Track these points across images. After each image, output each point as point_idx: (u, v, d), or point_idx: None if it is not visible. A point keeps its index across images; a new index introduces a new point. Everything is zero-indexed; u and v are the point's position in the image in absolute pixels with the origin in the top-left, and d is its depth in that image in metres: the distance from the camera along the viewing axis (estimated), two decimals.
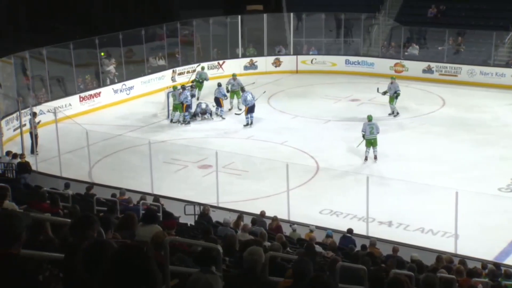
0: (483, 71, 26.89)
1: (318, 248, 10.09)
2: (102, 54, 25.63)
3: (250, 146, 19.64)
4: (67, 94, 23.98)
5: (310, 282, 4.12)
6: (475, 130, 20.97)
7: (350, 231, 12.84)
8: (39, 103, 21.87)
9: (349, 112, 23.26)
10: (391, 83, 22.76)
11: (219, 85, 23.22)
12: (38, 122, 19.58)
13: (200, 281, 4.46)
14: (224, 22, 29.96)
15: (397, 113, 22.57)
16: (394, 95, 22.49)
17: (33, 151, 18.65)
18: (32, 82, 23.33)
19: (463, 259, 11.16)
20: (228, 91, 23.36)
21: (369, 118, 18.44)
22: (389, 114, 22.65)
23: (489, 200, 15.14)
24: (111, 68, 25.85)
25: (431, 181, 15.70)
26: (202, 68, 26.79)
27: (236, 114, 22.81)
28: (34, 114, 19.30)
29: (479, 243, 13.17)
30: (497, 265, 10.97)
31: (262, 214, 13.45)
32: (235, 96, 23.69)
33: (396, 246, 11.94)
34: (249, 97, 21.77)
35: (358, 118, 22.40)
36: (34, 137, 18.82)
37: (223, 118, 22.68)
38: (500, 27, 27.86)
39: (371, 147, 18.04)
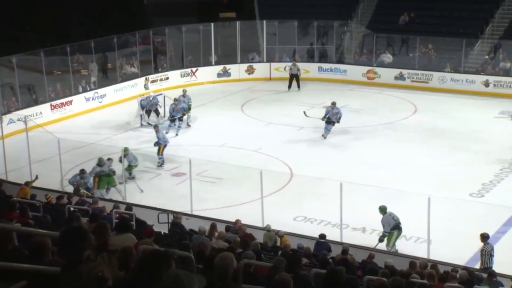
0: (453, 78, 27.26)
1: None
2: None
3: (224, 153, 19.59)
4: (37, 102, 23.70)
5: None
6: (446, 136, 21.20)
7: (322, 236, 12.83)
8: (9, 112, 21.57)
9: None
10: None
11: (184, 91, 23.27)
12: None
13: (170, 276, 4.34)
14: (197, 30, 29.94)
15: None
16: None
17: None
18: (2, 90, 23.01)
19: (435, 264, 11.25)
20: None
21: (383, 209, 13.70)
22: None
23: (460, 205, 15.31)
24: (94, 72, 25.94)
25: (404, 187, 15.83)
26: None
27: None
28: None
29: (451, 248, 13.28)
30: (468, 270, 11.07)
31: (237, 222, 13.36)
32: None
33: (372, 252, 12.00)
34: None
35: None
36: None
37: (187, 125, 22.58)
38: (469, 35, 28.30)
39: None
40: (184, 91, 23.23)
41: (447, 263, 12.12)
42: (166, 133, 20.98)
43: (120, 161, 17.10)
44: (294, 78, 27.64)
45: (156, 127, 19.65)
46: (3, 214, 8.68)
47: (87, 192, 15.80)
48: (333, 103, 21.16)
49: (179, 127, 21.73)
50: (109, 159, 16.92)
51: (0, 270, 3.90)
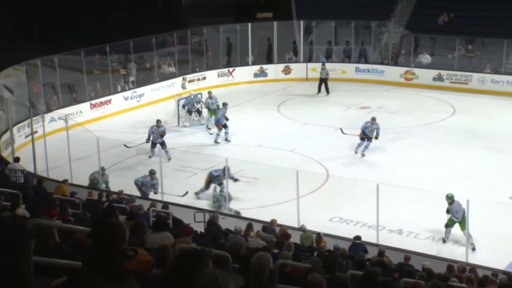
0: (494, 79, 26.78)
1: None
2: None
3: (260, 153, 19.62)
4: (78, 101, 24.12)
5: None
6: (485, 138, 20.85)
7: (357, 238, 12.77)
8: (50, 110, 22.01)
9: (359, 120, 23.10)
10: None
11: (209, 93, 23.30)
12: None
13: (206, 275, 4.37)
14: (234, 30, 30.05)
15: None
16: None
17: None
18: (44, 89, 23.49)
19: (474, 268, 11.09)
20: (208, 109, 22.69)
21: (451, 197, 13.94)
22: None
23: (500, 208, 15.04)
24: (133, 72, 26.24)
25: (442, 189, 15.59)
26: None
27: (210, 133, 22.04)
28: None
29: (490, 252, 13.08)
30: (508, 275, 10.88)
31: (273, 222, 13.39)
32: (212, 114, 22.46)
33: (408, 254, 11.89)
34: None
35: None
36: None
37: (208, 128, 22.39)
38: (510, 35, 27.73)
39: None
40: (210, 92, 23.22)
41: (486, 267, 11.93)
42: (217, 142, 20.78)
43: None
44: (323, 82, 27.01)
45: (158, 121, 19.70)
46: (44, 211, 8.87)
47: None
48: (373, 119, 19.76)
49: (226, 133, 21.08)
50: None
51: (42, 266, 3.99)
